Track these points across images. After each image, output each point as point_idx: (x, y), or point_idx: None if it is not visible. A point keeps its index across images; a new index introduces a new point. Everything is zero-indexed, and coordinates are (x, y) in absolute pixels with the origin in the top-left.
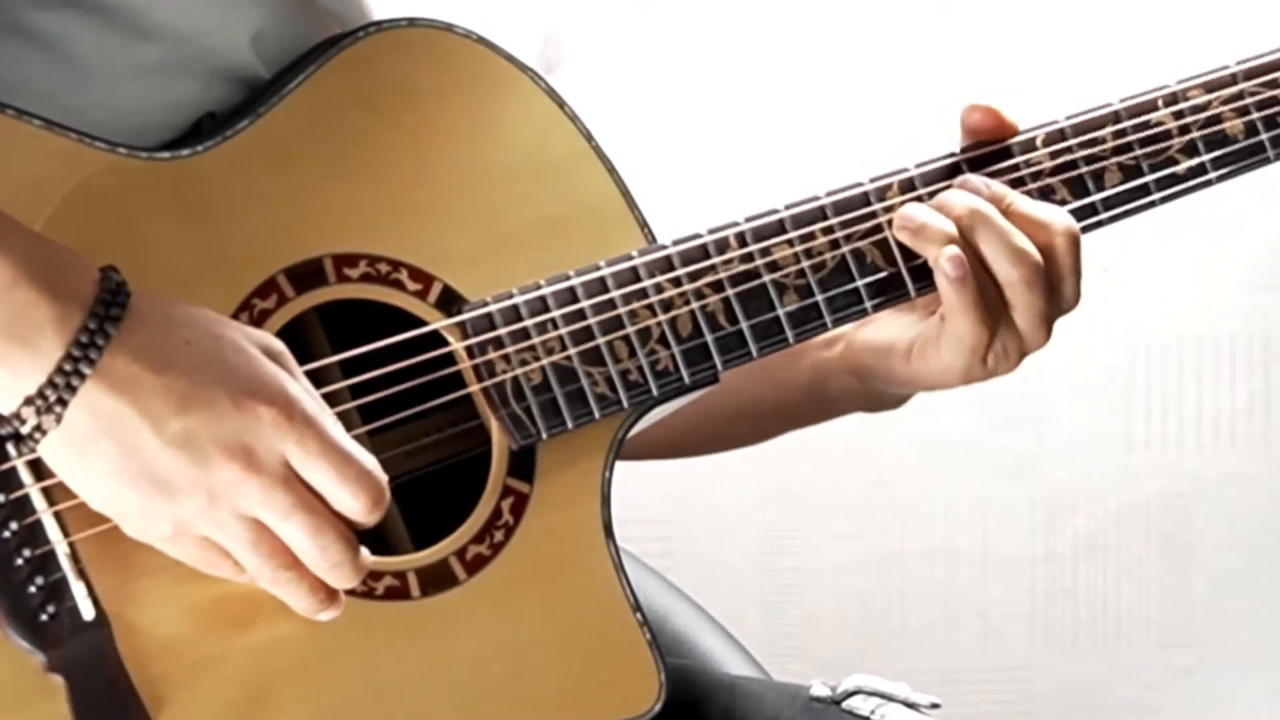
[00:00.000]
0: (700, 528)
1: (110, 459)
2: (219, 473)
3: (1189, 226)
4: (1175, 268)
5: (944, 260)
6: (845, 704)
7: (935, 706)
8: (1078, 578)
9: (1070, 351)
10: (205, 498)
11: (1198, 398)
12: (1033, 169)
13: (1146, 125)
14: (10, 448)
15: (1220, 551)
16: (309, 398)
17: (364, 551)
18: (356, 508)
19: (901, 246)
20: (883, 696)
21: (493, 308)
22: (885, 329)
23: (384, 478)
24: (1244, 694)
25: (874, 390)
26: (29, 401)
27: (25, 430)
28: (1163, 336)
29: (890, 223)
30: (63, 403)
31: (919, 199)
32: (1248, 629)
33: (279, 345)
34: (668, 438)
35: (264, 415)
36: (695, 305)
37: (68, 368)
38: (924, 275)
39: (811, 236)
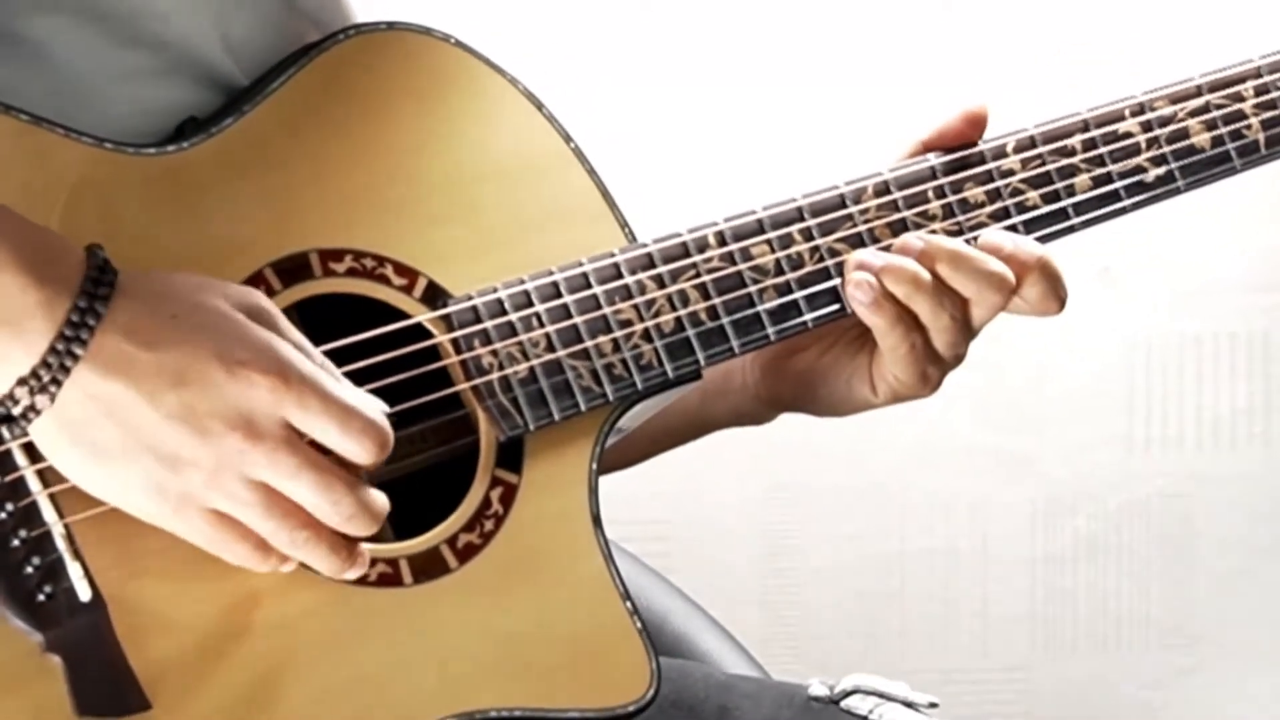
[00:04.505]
0: (700, 528)
1: (111, 436)
2: (221, 443)
3: (1188, 227)
4: (1175, 268)
5: (863, 300)
6: (843, 703)
7: (934, 706)
8: (1078, 578)
9: (1070, 352)
10: (210, 468)
11: (1198, 398)
12: (1004, 174)
13: (1115, 135)
14: (4, 430)
15: (1220, 551)
16: (299, 354)
17: (378, 494)
18: (365, 457)
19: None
20: (881, 696)
21: (477, 301)
22: (810, 358)
23: (385, 421)
24: (1244, 694)
25: (769, 413)
26: (22, 382)
27: (18, 410)
28: (1163, 336)
29: (867, 226)
30: (56, 383)
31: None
32: (1248, 629)
33: (262, 302)
34: None
35: (260, 382)
36: (676, 301)
37: (60, 347)
38: None
39: (789, 237)
